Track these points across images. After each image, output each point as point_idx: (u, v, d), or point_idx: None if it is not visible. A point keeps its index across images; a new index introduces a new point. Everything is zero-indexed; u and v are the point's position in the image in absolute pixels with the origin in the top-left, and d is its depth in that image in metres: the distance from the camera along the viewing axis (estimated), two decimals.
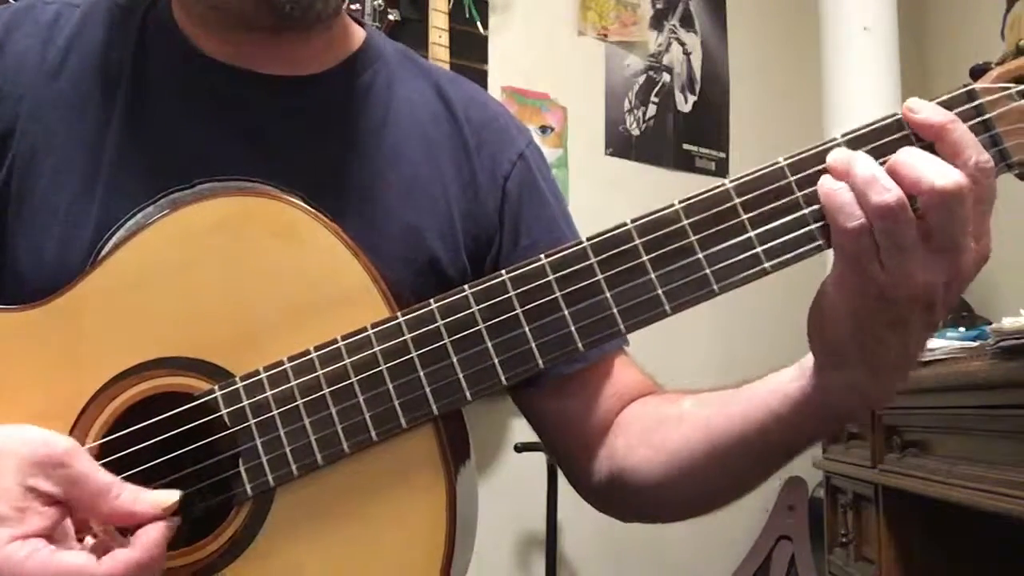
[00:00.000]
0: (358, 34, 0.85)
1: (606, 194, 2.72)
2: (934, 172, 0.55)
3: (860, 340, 0.59)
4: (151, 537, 0.57)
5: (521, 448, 2.37)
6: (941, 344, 1.62)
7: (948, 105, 0.59)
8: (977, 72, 0.61)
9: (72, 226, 0.72)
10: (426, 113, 0.82)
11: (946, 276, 0.57)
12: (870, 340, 0.59)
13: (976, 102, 0.59)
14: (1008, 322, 1.32)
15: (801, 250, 0.59)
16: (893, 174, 0.56)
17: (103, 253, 0.71)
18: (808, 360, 0.64)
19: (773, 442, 0.67)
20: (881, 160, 0.57)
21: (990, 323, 1.71)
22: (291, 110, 0.78)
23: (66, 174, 0.73)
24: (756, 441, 0.67)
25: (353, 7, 2.26)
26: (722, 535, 2.84)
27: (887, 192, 0.55)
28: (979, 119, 0.59)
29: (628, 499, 0.77)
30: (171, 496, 0.59)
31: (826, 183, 0.58)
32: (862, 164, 0.56)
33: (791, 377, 0.66)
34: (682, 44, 3.00)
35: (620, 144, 2.85)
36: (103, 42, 0.77)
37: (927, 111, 0.58)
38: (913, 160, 0.56)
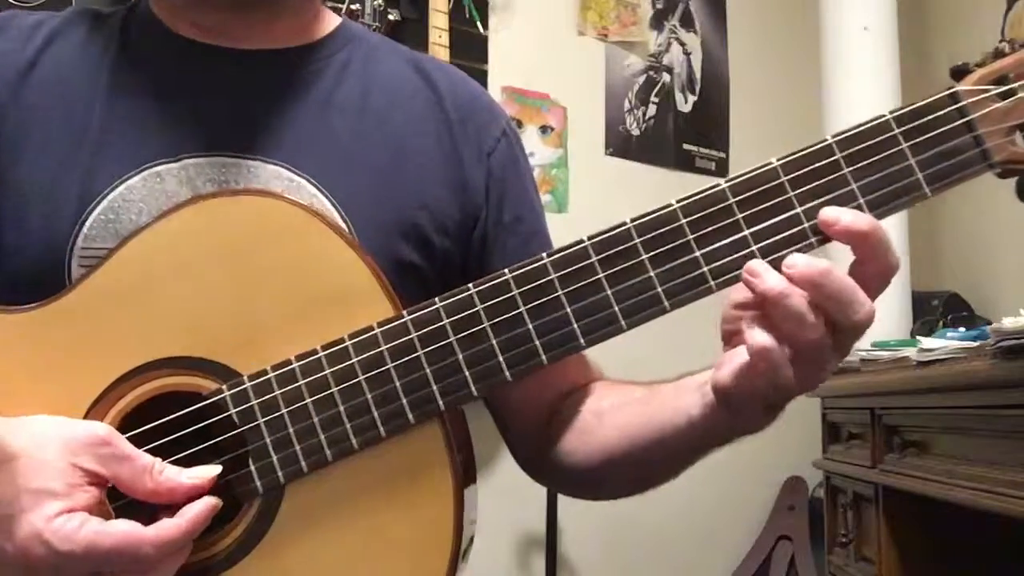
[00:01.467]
0: (333, 19, 0.87)
1: (606, 194, 2.72)
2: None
3: (763, 402, 0.62)
4: (197, 510, 0.60)
5: None
6: (941, 344, 1.62)
7: (932, 108, 0.61)
8: (958, 73, 0.63)
9: (55, 200, 0.73)
10: (406, 87, 0.84)
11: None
12: (775, 398, 0.62)
13: (959, 104, 0.61)
14: (1008, 322, 1.32)
15: (795, 247, 0.61)
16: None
17: (86, 226, 0.72)
18: (710, 393, 0.66)
19: (680, 450, 0.72)
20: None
21: (990, 323, 1.71)
22: (269, 81, 0.79)
23: (47, 154, 0.74)
24: (664, 449, 0.72)
25: (353, 7, 2.26)
26: (722, 535, 2.84)
27: (816, 329, 0.58)
28: (962, 120, 0.61)
29: (562, 481, 0.84)
30: (212, 471, 0.62)
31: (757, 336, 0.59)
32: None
33: (694, 403, 0.68)
34: (682, 44, 3.00)
35: (620, 144, 2.86)
36: (84, 37, 0.80)
37: (845, 220, 0.59)
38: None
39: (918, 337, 1.88)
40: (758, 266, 0.59)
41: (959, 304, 2.41)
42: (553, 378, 0.83)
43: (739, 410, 0.63)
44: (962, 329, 1.90)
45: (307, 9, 0.83)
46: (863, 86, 2.43)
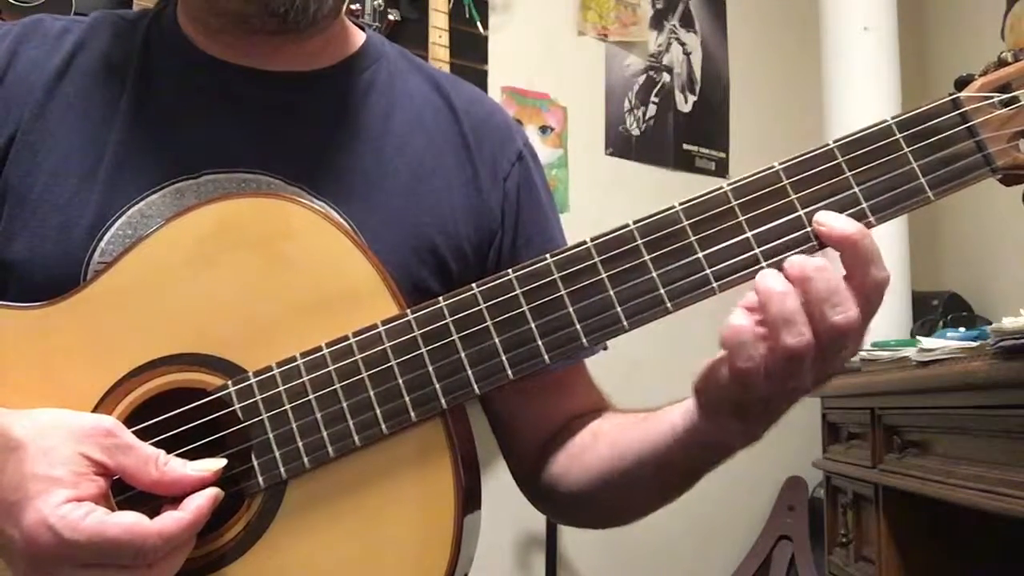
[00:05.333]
0: (358, 35, 0.87)
1: (606, 194, 2.72)
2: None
3: (732, 398, 0.62)
4: (199, 503, 0.60)
5: None
6: (941, 344, 1.62)
7: (934, 113, 0.62)
8: (961, 83, 0.64)
9: (72, 215, 0.73)
10: (427, 108, 0.85)
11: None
12: (764, 410, 0.62)
13: (961, 110, 0.62)
14: (1008, 322, 1.32)
15: (797, 250, 0.61)
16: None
17: (104, 240, 0.72)
18: (694, 407, 0.66)
19: (670, 472, 0.72)
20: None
21: (990, 323, 1.71)
22: (293, 103, 0.80)
23: (66, 169, 0.74)
24: (648, 466, 0.72)
25: (353, 7, 2.26)
26: (722, 535, 2.85)
27: (800, 336, 0.57)
28: (964, 126, 0.62)
29: (554, 503, 0.84)
30: (217, 463, 0.62)
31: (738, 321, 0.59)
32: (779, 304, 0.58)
33: (677, 412, 0.68)
34: (682, 44, 3.00)
35: (620, 144, 2.86)
36: (108, 47, 0.80)
37: (836, 225, 0.60)
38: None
39: (918, 337, 1.88)
40: (766, 271, 0.59)
41: (959, 304, 2.42)
42: (563, 401, 0.84)
43: (713, 411, 0.64)
44: (962, 329, 1.90)
45: (336, 26, 0.83)
46: (863, 86, 2.43)
